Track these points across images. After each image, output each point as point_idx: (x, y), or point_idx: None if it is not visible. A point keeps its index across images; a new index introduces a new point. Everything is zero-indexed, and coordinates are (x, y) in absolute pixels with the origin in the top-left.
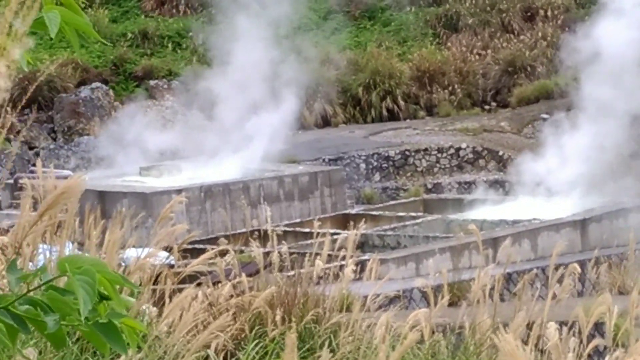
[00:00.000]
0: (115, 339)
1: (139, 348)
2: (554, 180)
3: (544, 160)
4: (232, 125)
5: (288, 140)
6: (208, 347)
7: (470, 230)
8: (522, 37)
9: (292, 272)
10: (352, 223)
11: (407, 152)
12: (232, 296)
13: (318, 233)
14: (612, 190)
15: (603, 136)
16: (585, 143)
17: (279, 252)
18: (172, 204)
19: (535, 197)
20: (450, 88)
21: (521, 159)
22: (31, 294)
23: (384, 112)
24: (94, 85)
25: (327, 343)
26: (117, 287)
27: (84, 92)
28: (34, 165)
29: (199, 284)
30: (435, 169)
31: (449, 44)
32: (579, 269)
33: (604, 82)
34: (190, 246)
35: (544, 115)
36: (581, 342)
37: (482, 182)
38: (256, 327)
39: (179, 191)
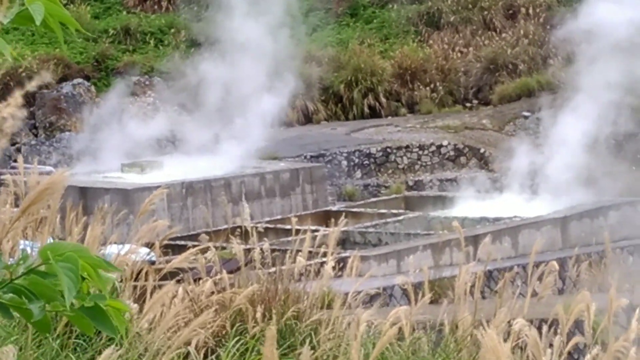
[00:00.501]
0: (103, 322)
1: (120, 345)
2: (536, 177)
3: (526, 157)
4: (213, 121)
5: (270, 137)
6: (189, 344)
7: (452, 227)
8: (503, 34)
9: (273, 269)
10: (333, 220)
11: (388, 149)
12: (213, 293)
13: (299, 230)
14: (594, 188)
15: (586, 133)
16: (569, 140)
17: (260, 249)
18: (152, 197)
19: (517, 195)
20: (432, 85)
21: (503, 156)
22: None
23: (366, 109)
24: (75, 81)
25: (307, 340)
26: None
27: (66, 88)
28: (15, 161)
29: (179, 281)
30: (417, 166)
31: (430, 42)
32: (557, 267)
33: (591, 77)
34: (171, 242)
35: (526, 113)
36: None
37: (464, 179)
38: (237, 324)
39: (160, 187)
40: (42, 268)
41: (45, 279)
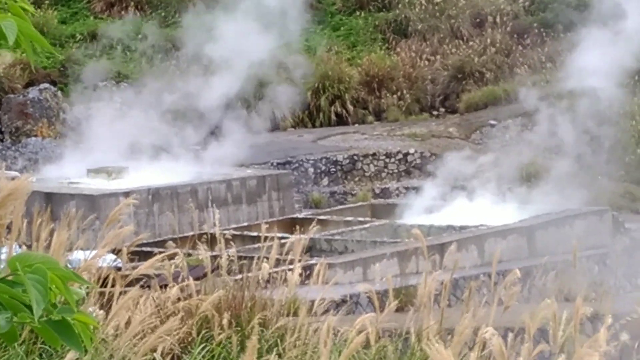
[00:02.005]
0: (69, 337)
1: (85, 350)
2: (502, 185)
3: (495, 165)
4: (181, 127)
5: (237, 144)
6: (154, 350)
7: (416, 235)
8: (471, 43)
9: (239, 276)
10: (299, 227)
11: (355, 157)
12: (179, 299)
13: (266, 237)
14: (561, 197)
15: (553, 142)
16: (535, 149)
17: (226, 256)
18: (120, 206)
19: (484, 203)
20: (399, 93)
21: (469, 164)
22: None
23: (333, 117)
24: (42, 86)
25: (273, 347)
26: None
27: (32, 93)
28: None
29: (142, 286)
30: (383, 174)
31: (398, 49)
32: (518, 274)
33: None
34: (137, 249)
35: (492, 122)
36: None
37: (431, 187)
38: (203, 331)
39: (126, 193)
40: (10, 278)
41: (13, 289)
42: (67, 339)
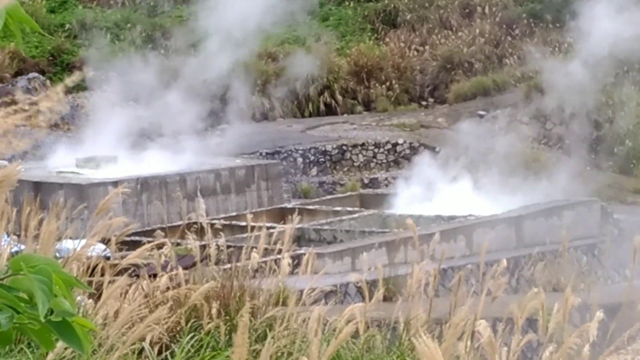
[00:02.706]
0: (70, 337)
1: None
2: (491, 175)
3: (481, 156)
4: (169, 117)
5: (225, 134)
6: (143, 339)
7: (406, 225)
8: (460, 33)
9: (228, 266)
10: (288, 217)
11: (344, 147)
12: (168, 289)
13: (254, 226)
14: (548, 188)
15: (541, 133)
16: (523, 140)
17: (215, 245)
18: (111, 195)
19: (472, 193)
20: (387, 83)
21: (457, 154)
22: None
23: (322, 107)
24: (30, 75)
25: (262, 336)
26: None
27: (21, 82)
28: None
29: (131, 275)
30: (372, 164)
31: (387, 40)
32: (505, 264)
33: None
34: (126, 238)
35: (481, 112)
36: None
37: (418, 177)
38: (192, 320)
39: (115, 183)
40: (7, 281)
41: (9, 292)
42: (69, 340)
